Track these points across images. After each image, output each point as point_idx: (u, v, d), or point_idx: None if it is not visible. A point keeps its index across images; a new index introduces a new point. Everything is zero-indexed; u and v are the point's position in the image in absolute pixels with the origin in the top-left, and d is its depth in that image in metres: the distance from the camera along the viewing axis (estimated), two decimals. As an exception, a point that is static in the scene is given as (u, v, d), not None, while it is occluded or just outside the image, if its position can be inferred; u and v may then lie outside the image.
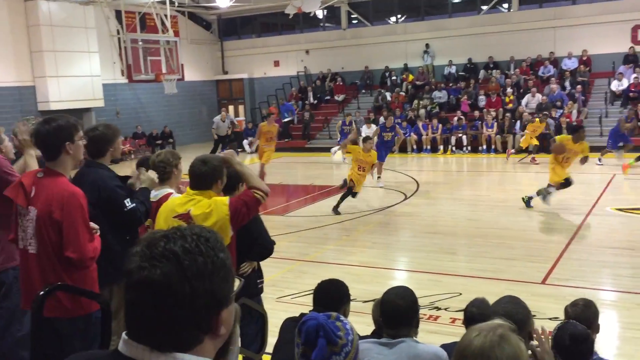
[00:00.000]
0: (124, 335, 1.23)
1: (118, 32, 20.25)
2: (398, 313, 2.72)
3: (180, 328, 1.19)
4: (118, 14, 21.15)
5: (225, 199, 3.61)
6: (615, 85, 19.89)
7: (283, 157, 19.69)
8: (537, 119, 17.38)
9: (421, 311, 5.97)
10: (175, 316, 1.17)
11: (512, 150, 17.87)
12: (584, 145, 10.28)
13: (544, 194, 10.51)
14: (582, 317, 3.18)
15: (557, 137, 10.99)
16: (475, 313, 3.00)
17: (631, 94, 19.22)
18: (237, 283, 1.29)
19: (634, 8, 20.94)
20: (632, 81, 19.58)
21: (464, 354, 1.58)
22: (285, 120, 23.44)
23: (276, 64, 27.30)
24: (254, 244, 4.18)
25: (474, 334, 1.62)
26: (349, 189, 11.07)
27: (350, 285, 3.32)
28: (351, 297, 3.27)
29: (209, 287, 1.19)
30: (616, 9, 21.04)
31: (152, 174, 4.25)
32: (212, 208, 3.55)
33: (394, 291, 2.83)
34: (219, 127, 20.07)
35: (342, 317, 2.10)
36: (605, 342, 5.19)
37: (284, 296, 6.68)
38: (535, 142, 16.98)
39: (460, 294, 6.50)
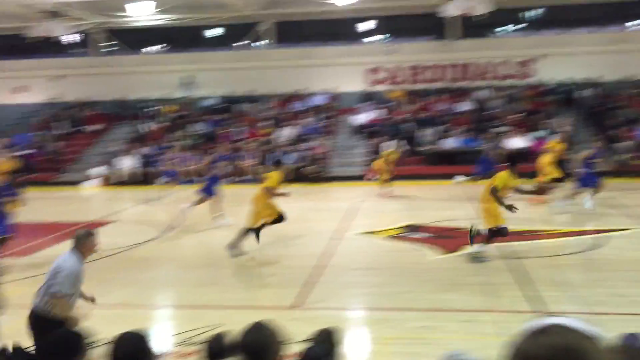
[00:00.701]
0: None
1: None
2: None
3: None
4: None
5: None
6: (358, 120, 22.17)
7: (27, 192, 17.88)
8: (392, 150, 17.14)
9: (176, 348, 5.90)
10: None
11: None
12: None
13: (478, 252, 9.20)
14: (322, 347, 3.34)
15: (498, 177, 9.06)
16: (212, 348, 3.02)
17: (371, 129, 21.59)
18: None
19: (366, 53, 24.07)
20: (371, 117, 22.07)
21: None
22: (20, 153, 21.09)
23: (21, 89, 24.93)
24: None
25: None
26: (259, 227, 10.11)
27: (105, 329, 3.12)
28: (99, 343, 3.05)
29: None
30: (355, 53, 23.91)
31: None
32: None
33: (121, 336, 2.69)
34: None
35: None
36: (355, 357, 5.63)
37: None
38: (387, 174, 16.31)
39: (220, 325, 6.50)
